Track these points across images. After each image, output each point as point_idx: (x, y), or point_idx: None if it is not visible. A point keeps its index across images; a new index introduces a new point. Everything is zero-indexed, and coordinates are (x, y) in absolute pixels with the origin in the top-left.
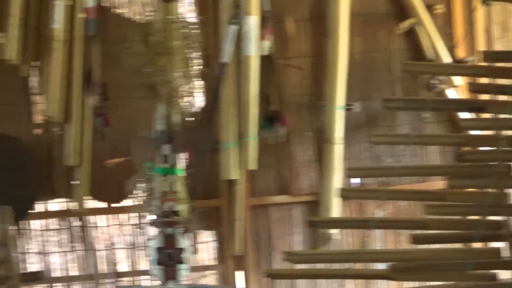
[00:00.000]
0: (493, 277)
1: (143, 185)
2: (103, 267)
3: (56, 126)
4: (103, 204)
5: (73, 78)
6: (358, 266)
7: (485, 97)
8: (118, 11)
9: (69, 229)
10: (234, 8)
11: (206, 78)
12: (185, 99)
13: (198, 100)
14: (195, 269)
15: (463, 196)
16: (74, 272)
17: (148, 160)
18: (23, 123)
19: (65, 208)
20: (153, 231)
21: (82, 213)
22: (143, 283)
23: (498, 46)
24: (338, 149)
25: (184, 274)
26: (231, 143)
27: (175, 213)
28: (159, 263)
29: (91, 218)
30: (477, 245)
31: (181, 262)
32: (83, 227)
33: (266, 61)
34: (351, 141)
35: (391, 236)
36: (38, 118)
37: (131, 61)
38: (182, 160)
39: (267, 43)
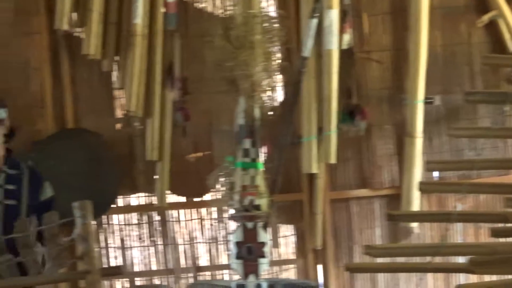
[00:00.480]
0: None
1: (224, 179)
2: (183, 261)
3: (137, 121)
4: (183, 199)
5: (154, 73)
6: (438, 259)
7: None
8: (199, 5)
9: (150, 223)
10: (314, 2)
11: (286, 72)
12: (266, 93)
13: (279, 94)
14: (275, 263)
15: None
16: (154, 266)
17: (229, 154)
18: (104, 118)
19: (145, 203)
20: (233, 225)
21: (162, 208)
22: (223, 278)
23: None
24: (418, 143)
25: (265, 268)
26: (312, 137)
27: (256, 207)
28: (239, 257)
29: (172, 213)
30: None
31: (261, 256)
32: (164, 222)
33: (346, 55)
34: (431, 135)
35: (471, 229)
36: (119, 113)
37: (212, 55)
38: (262, 154)
39: (347, 37)
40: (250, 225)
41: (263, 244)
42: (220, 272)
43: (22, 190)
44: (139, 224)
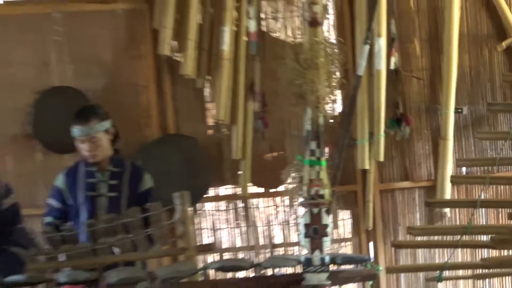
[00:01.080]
0: None
1: (295, 174)
2: (261, 240)
3: (225, 128)
4: (262, 189)
5: (238, 89)
6: (466, 238)
7: None
8: (275, 34)
9: (235, 209)
10: (367, 31)
11: (344, 88)
12: (328, 104)
13: (338, 106)
14: (335, 241)
15: None
16: (239, 243)
17: (299, 154)
18: (198, 125)
19: (232, 193)
20: (302, 210)
21: (245, 197)
22: (294, 253)
23: None
24: (450, 144)
25: (327, 245)
26: (364, 140)
27: (320, 196)
28: (307, 236)
29: (252, 201)
30: None
31: (325, 236)
32: (246, 208)
33: (393, 74)
34: (460, 138)
35: (492, 214)
36: (211, 121)
37: (285, 75)
38: (325, 154)
39: (394, 59)
40: (315, 210)
41: (326, 225)
42: (291, 248)
43: (123, 184)
44: (226, 210)
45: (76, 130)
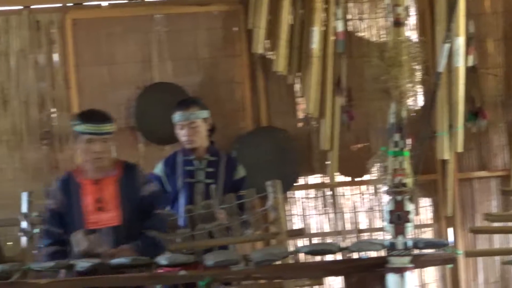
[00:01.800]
0: None
1: (379, 164)
2: (348, 225)
3: (314, 121)
4: (348, 178)
5: (326, 85)
6: None
7: None
8: (360, 34)
9: (323, 197)
10: (446, 31)
11: (425, 83)
12: (410, 99)
13: (420, 100)
14: (417, 227)
15: None
16: (327, 229)
17: (383, 145)
18: (289, 119)
19: (320, 181)
20: (386, 198)
21: (332, 185)
22: (378, 237)
23: None
24: None
25: (409, 230)
26: (444, 132)
27: (403, 184)
28: (391, 222)
29: (339, 189)
30: None
31: (407, 222)
32: (333, 195)
33: (471, 71)
34: None
35: None
36: (300, 115)
37: (370, 71)
38: (408, 145)
39: (471, 57)
40: (399, 198)
41: (408, 212)
42: (376, 233)
43: (219, 172)
44: (315, 198)
45: (177, 115)
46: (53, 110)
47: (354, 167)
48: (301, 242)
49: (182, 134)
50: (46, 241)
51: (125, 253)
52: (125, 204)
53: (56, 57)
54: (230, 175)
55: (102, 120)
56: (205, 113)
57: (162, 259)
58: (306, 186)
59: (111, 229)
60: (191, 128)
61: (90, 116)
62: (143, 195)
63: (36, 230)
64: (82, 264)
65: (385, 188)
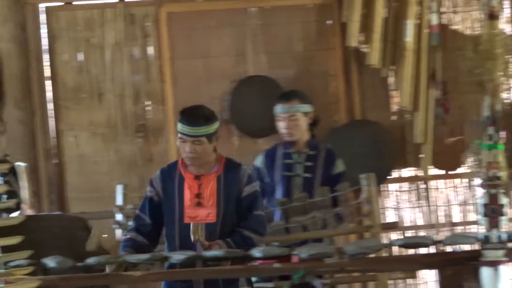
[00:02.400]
0: None
1: (474, 157)
2: (441, 218)
3: (407, 114)
4: (442, 171)
5: (420, 78)
6: None
7: None
8: (455, 27)
9: (417, 190)
10: None
11: None
12: (505, 92)
13: None
14: (511, 220)
15: None
16: (420, 222)
17: (477, 138)
18: (383, 112)
19: (414, 175)
20: (480, 191)
21: (426, 178)
22: (472, 230)
23: None
24: None
25: (504, 224)
26: None
27: (497, 178)
28: (485, 215)
29: (433, 182)
30: None
31: (501, 215)
32: (427, 188)
33: None
34: None
35: None
36: (394, 108)
37: (465, 65)
38: (502, 138)
39: None
40: (493, 191)
41: (502, 205)
42: (470, 227)
43: (317, 166)
44: (408, 191)
45: (278, 108)
46: (147, 103)
47: (448, 160)
48: (395, 235)
49: (282, 126)
50: (131, 226)
51: (217, 247)
52: (223, 202)
53: (150, 50)
54: (329, 170)
55: (196, 122)
56: (306, 107)
57: (257, 252)
58: (400, 179)
59: (206, 226)
60: (291, 121)
61: (187, 115)
62: (242, 195)
63: (130, 223)
64: (177, 257)
65: (479, 181)
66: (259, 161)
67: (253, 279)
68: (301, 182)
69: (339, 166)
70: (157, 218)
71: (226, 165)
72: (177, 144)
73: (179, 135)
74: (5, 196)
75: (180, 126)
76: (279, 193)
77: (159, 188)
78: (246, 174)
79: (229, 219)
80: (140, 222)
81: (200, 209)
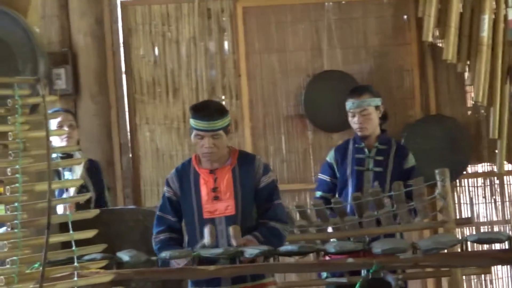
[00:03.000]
0: None
1: None
2: None
3: (483, 109)
4: None
5: (496, 73)
6: None
7: None
8: None
9: (491, 185)
10: None
11: None
12: None
13: None
14: None
15: None
16: (494, 218)
17: None
18: (458, 107)
19: (488, 170)
20: None
21: (501, 174)
22: None
23: None
24: None
25: None
26: None
27: None
28: None
29: (508, 178)
30: None
31: None
32: (502, 184)
33: None
34: None
35: None
36: (469, 103)
37: None
38: None
39: None
40: None
41: None
42: None
43: (389, 160)
44: (483, 186)
45: (349, 103)
46: (223, 97)
47: None
48: (469, 231)
49: (353, 121)
50: (158, 228)
51: (251, 245)
52: (240, 194)
53: (226, 44)
54: (400, 164)
55: (212, 116)
56: (377, 101)
57: (330, 247)
58: (475, 175)
59: (226, 218)
60: (363, 116)
61: (201, 111)
62: (260, 186)
63: None
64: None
65: None
66: (330, 156)
67: (324, 274)
68: (372, 176)
69: (411, 161)
70: (179, 216)
71: (240, 157)
72: (193, 141)
73: (196, 132)
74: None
75: (196, 123)
76: (350, 188)
77: (176, 187)
78: (262, 164)
79: (248, 210)
80: (167, 222)
81: (218, 202)
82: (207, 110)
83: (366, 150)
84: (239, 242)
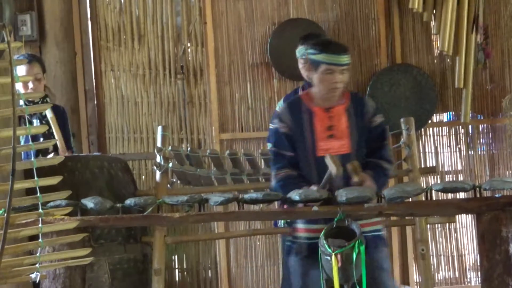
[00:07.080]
0: None
1: None
2: (480, 163)
3: (448, 58)
4: (481, 116)
5: (462, 22)
6: None
7: None
8: None
9: (456, 134)
10: None
11: None
12: None
13: None
14: None
15: None
16: (459, 167)
17: None
18: (424, 56)
19: (453, 119)
20: None
21: (465, 123)
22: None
23: None
24: None
25: None
26: None
27: None
28: None
29: (471, 126)
30: None
31: None
32: (466, 133)
33: None
34: None
35: None
36: (435, 52)
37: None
38: None
39: None
40: None
41: None
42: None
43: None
44: (447, 135)
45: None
46: (188, 45)
47: (487, 105)
48: (434, 180)
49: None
50: (277, 164)
51: (368, 182)
52: (354, 133)
53: None
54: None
55: (343, 51)
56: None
57: (295, 195)
58: (440, 124)
59: (340, 156)
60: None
61: (331, 46)
62: (372, 125)
63: (170, 164)
64: (216, 199)
65: None
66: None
67: (281, 222)
68: None
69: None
70: (295, 150)
71: (352, 98)
72: (320, 76)
73: (327, 66)
74: (41, 139)
75: (327, 57)
76: None
77: (289, 122)
78: (373, 105)
79: (362, 149)
80: (286, 157)
81: (333, 141)
82: (340, 46)
83: None
84: (360, 178)
